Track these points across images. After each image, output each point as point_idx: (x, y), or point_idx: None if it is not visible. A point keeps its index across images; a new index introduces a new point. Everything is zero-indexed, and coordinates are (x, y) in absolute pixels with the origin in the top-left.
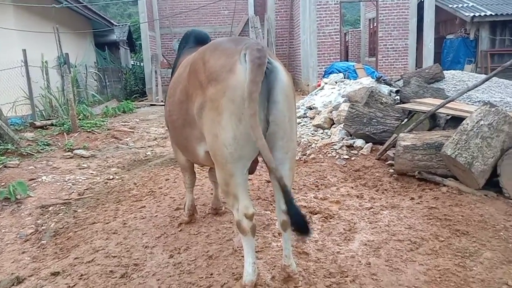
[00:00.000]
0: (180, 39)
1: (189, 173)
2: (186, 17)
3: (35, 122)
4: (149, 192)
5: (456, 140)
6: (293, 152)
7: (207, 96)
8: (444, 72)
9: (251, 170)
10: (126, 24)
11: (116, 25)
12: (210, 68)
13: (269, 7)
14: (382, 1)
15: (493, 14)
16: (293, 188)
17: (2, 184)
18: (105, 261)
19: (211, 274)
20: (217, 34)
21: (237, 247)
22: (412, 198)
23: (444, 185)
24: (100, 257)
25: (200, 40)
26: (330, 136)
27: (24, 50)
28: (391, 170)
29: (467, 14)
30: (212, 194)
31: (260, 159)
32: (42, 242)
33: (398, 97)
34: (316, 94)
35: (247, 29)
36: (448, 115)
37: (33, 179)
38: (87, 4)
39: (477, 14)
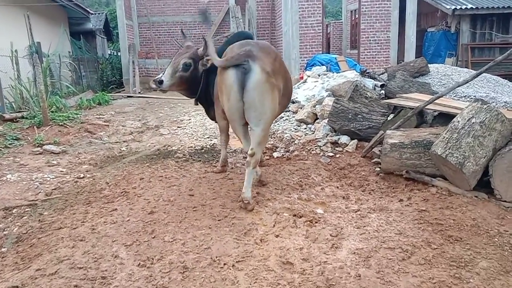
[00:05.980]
0: (158, 28)
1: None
2: (164, 5)
3: (4, 115)
4: (121, 192)
5: (447, 139)
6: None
7: None
8: (429, 66)
9: None
10: (103, 13)
11: (92, 13)
12: None
13: None
14: None
15: (473, 7)
16: (276, 188)
17: None
18: (70, 273)
19: None
20: (197, 24)
21: None
22: (401, 200)
23: (433, 186)
24: (65, 269)
25: None
26: (314, 132)
27: None
28: (377, 169)
29: (448, 6)
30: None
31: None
32: (2, 250)
33: (383, 91)
34: (298, 88)
35: (228, 19)
36: (435, 111)
37: None
38: None
39: (458, 7)
